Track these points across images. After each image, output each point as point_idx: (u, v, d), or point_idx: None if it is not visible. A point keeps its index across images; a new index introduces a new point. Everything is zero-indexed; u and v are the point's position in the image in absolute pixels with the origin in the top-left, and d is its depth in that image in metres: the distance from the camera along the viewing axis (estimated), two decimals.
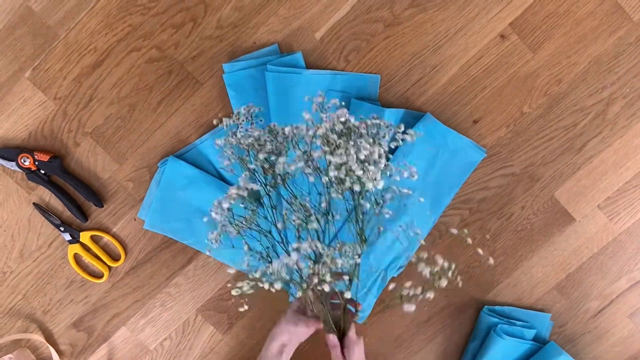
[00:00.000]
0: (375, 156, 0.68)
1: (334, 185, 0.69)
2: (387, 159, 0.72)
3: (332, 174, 0.67)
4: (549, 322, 1.02)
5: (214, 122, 0.79)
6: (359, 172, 0.66)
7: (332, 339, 0.87)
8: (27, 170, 0.96)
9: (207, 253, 0.94)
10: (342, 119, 0.69)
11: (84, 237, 1.00)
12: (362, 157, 0.67)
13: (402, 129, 0.76)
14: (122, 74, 0.95)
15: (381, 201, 0.74)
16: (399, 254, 0.99)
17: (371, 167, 0.67)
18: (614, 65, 0.95)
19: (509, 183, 0.99)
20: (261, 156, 0.73)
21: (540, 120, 0.97)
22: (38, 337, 1.03)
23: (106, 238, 1.00)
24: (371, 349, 1.04)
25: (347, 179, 0.67)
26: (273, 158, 0.74)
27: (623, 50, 0.95)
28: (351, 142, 0.68)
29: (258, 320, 1.03)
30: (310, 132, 0.71)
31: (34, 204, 0.99)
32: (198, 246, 1.00)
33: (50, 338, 1.04)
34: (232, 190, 0.72)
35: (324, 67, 0.96)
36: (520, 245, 1.01)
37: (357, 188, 0.67)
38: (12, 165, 0.95)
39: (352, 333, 0.87)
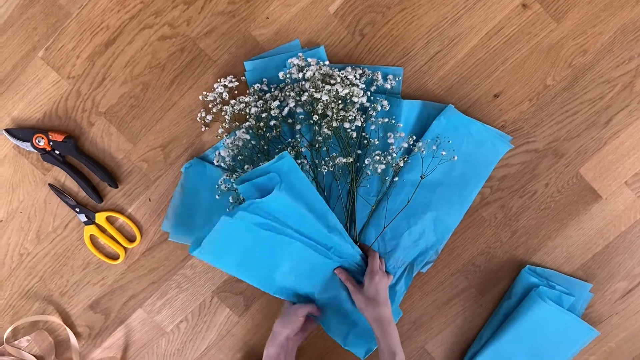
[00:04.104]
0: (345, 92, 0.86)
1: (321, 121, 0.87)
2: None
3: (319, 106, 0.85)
4: (588, 293, 0.98)
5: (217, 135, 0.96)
6: (344, 92, 0.85)
7: (340, 270, 0.90)
8: (42, 151, 0.96)
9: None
10: (323, 70, 0.87)
11: (100, 218, 0.99)
12: (342, 94, 0.85)
13: (414, 139, 0.91)
14: (135, 52, 0.94)
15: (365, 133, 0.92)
16: (425, 249, 0.97)
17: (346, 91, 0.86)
18: None
19: (531, 159, 0.96)
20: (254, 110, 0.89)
21: (565, 93, 0.94)
22: (55, 319, 1.03)
23: (121, 219, 1.00)
24: None
25: (330, 110, 0.85)
26: (264, 114, 0.89)
27: None
28: (332, 82, 0.86)
29: (274, 302, 1.02)
30: (300, 75, 0.87)
31: (49, 185, 0.99)
32: None
33: (67, 320, 1.04)
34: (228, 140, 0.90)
35: (339, 42, 0.93)
36: (543, 225, 0.98)
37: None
38: (27, 146, 0.95)
39: (373, 264, 0.89)
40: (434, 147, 0.91)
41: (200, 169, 0.96)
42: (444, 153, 0.90)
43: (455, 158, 0.91)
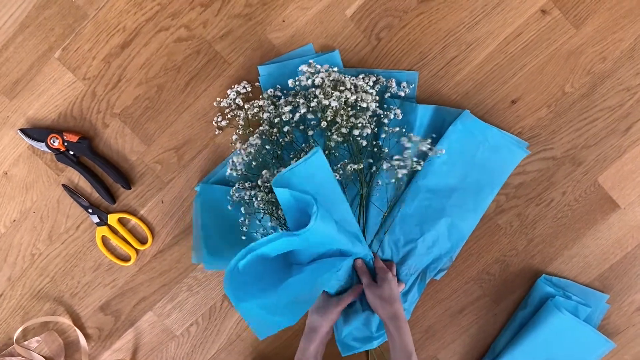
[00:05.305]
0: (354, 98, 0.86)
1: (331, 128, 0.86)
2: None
3: (329, 112, 0.85)
4: (604, 304, 0.96)
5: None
6: (351, 98, 0.85)
7: (360, 262, 0.89)
8: (56, 151, 0.96)
9: None
10: (332, 76, 0.86)
11: (112, 219, 0.99)
12: (352, 100, 0.85)
13: (429, 142, 0.88)
14: (151, 54, 0.94)
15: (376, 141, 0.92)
16: (439, 256, 0.96)
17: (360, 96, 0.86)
18: None
19: (549, 167, 0.94)
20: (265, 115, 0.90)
21: (584, 100, 0.92)
22: (65, 320, 1.03)
23: (134, 221, 1.00)
24: None
25: (340, 118, 0.85)
26: (277, 120, 0.89)
27: None
28: (341, 89, 0.85)
29: None
30: (309, 82, 0.87)
31: (62, 185, 0.99)
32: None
33: (77, 321, 1.03)
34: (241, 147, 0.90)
35: (355, 46, 0.93)
36: (560, 234, 0.96)
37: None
38: (41, 146, 0.95)
39: (378, 262, 0.90)
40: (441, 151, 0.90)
41: (209, 194, 0.96)
42: (442, 151, 0.89)
43: (443, 151, 0.90)
